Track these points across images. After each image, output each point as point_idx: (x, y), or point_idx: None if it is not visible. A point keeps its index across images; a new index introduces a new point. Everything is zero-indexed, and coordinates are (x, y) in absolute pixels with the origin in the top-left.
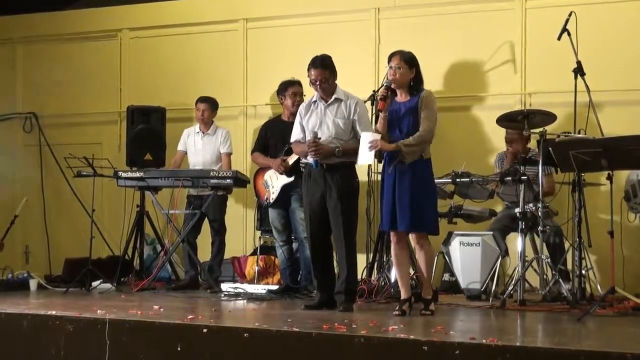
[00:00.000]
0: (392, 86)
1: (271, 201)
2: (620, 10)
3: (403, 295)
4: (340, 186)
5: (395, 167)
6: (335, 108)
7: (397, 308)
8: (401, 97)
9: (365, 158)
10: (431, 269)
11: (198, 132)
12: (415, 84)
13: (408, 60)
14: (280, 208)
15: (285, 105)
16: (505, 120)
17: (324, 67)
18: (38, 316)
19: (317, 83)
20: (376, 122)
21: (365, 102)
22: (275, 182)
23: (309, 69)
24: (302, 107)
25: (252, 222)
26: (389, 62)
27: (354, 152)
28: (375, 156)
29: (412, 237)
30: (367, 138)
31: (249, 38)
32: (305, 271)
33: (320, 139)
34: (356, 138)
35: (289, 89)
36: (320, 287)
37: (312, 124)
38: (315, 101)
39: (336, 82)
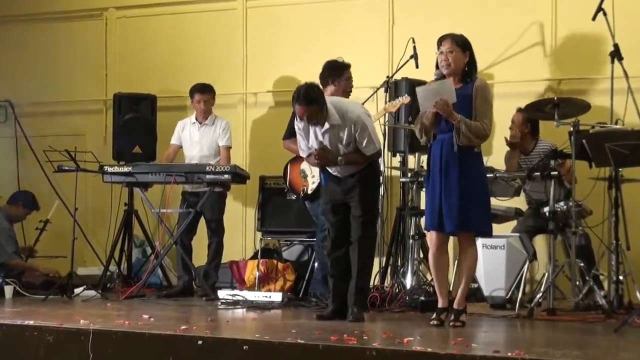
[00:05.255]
0: (445, 72)
1: (309, 192)
2: None
3: (440, 304)
4: (361, 186)
5: (441, 161)
6: (332, 134)
7: (433, 317)
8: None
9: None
10: (472, 276)
11: (194, 123)
12: (469, 69)
13: (461, 43)
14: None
15: (336, 89)
16: (533, 109)
17: (308, 102)
18: (14, 326)
19: (305, 120)
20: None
21: (377, 89)
22: (315, 171)
23: (293, 103)
24: (299, 126)
25: (253, 223)
26: (438, 47)
27: (357, 161)
28: (428, 138)
29: (458, 238)
30: (438, 87)
31: (248, 18)
32: (320, 275)
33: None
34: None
35: (346, 72)
36: (334, 294)
37: (313, 142)
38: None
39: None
